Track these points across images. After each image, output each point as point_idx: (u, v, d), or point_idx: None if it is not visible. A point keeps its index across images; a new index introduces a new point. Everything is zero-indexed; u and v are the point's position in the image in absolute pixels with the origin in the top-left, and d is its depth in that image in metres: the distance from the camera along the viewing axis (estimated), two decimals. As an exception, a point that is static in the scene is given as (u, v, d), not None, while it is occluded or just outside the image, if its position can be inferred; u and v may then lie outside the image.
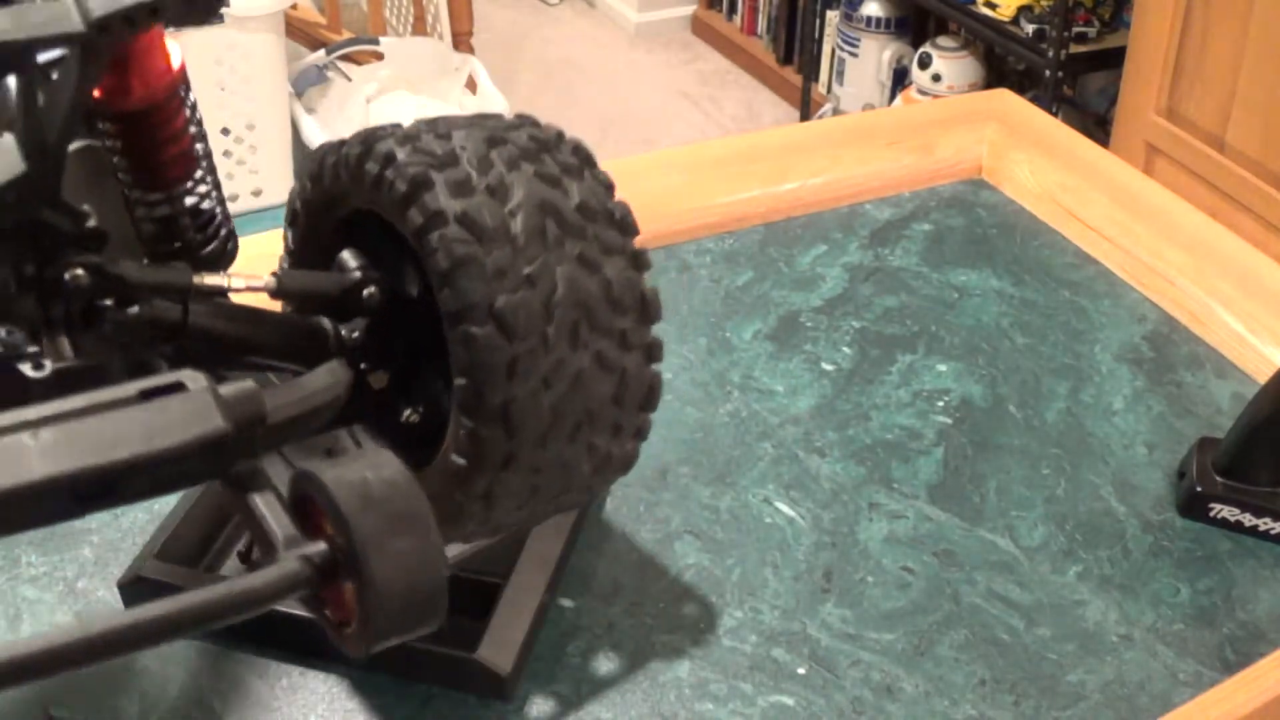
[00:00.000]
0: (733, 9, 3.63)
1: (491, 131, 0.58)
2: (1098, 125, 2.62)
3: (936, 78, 2.82)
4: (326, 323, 0.59)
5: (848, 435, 0.89)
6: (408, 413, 0.60)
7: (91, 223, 0.54)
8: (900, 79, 3.03)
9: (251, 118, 2.29)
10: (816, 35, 3.19)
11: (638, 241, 0.59)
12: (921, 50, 2.86)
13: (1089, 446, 0.89)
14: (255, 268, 0.62)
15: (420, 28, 2.77)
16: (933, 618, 0.76)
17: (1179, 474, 0.86)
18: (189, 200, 0.65)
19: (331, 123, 2.46)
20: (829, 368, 0.96)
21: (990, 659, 0.74)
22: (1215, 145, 2.02)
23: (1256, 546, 0.82)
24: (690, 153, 1.23)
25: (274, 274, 0.58)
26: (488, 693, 0.70)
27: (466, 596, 0.74)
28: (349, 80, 2.57)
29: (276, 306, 0.63)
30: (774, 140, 1.25)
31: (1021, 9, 2.55)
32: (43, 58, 0.52)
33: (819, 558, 0.80)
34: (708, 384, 0.93)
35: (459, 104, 2.58)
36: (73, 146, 0.57)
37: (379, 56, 2.62)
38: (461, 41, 2.69)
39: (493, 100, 2.57)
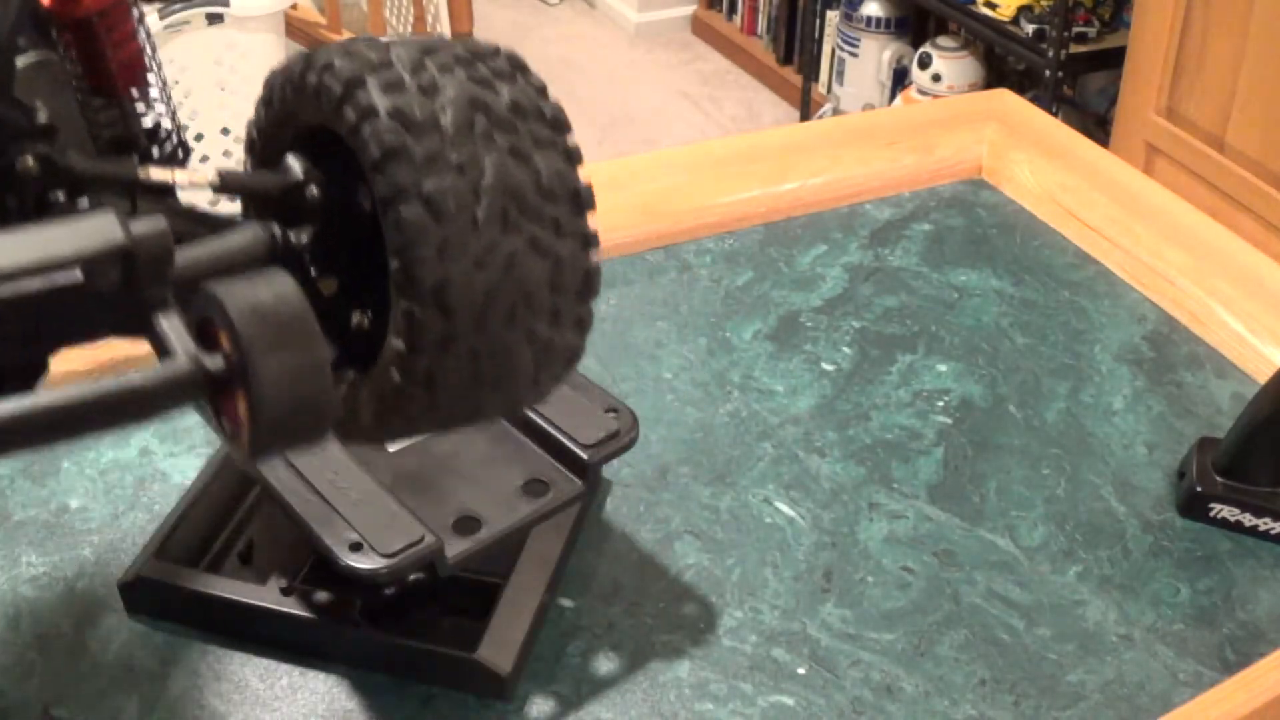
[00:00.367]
0: (733, 9, 3.63)
1: (427, 42, 0.61)
2: (1098, 125, 2.62)
3: (936, 78, 2.82)
4: (274, 226, 0.61)
5: (848, 435, 0.89)
6: (357, 317, 0.61)
7: (42, 118, 0.56)
8: (900, 79, 3.03)
9: (251, 118, 2.30)
10: (816, 35, 3.19)
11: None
12: (921, 50, 2.86)
13: (1089, 446, 0.89)
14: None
15: (420, 28, 2.77)
16: (933, 618, 0.76)
17: (1179, 474, 0.86)
18: (140, 108, 0.68)
19: (331, 122, 2.46)
20: (829, 368, 0.96)
21: (990, 659, 0.74)
22: (1215, 145, 2.02)
23: (1256, 546, 0.82)
24: (690, 153, 1.23)
25: (218, 171, 0.60)
26: (488, 693, 0.70)
27: (466, 596, 0.74)
28: (349, 80, 2.56)
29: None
30: (774, 140, 1.25)
31: (1021, 9, 2.55)
32: None
33: (819, 558, 0.80)
34: (708, 384, 0.93)
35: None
36: (30, 59, 0.59)
37: (379, 56, 2.61)
38: (461, 41, 2.69)
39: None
